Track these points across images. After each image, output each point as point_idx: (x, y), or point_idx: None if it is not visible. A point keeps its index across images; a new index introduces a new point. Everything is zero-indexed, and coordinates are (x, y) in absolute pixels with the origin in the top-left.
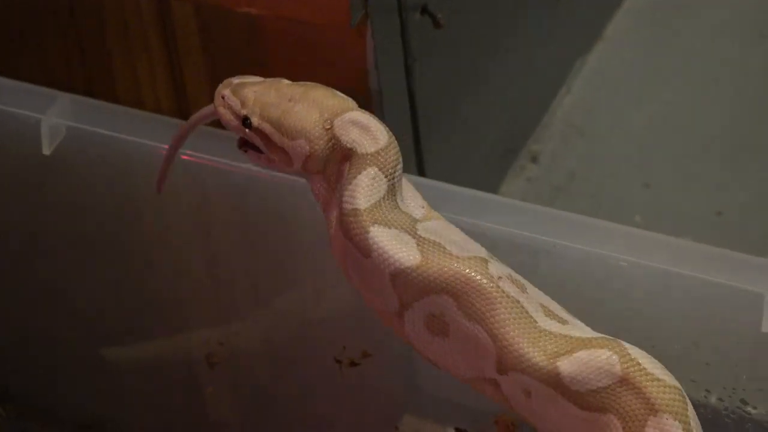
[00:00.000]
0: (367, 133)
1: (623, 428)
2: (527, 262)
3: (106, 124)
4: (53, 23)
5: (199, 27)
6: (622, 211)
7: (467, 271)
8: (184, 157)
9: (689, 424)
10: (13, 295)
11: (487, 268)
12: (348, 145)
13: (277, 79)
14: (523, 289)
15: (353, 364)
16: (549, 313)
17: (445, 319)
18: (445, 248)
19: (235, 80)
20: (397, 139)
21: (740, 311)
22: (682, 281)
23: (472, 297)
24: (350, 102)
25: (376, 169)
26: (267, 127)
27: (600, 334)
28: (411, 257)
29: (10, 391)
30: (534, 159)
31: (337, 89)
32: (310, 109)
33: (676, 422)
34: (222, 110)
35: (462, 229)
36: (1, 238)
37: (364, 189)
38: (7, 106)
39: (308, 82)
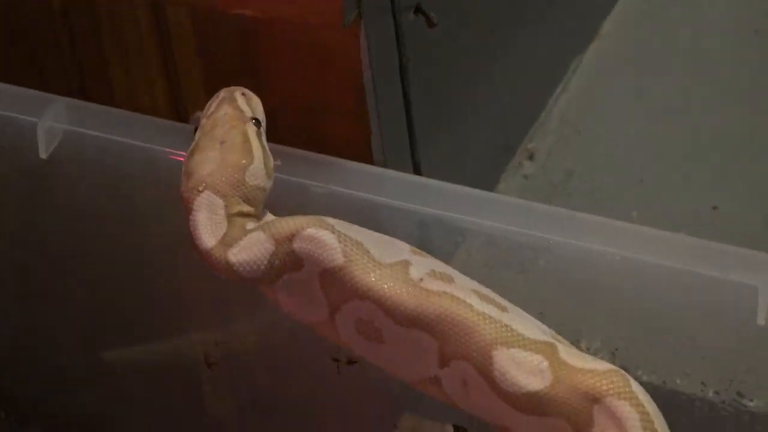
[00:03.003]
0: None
1: (570, 426)
2: (525, 259)
3: (103, 128)
4: (48, 28)
5: (193, 30)
6: (618, 207)
7: (389, 281)
8: (180, 159)
9: (637, 398)
10: (12, 299)
11: (408, 273)
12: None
13: (246, 125)
14: (450, 280)
15: (351, 362)
16: (484, 298)
17: (375, 325)
18: (368, 251)
19: (239, 93)
20: (392, 137)
21: (735, 304)
22: (677, 275)
23: (399, 305)
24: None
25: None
26: (191, 147)
27: (544, 332)
28: (335, 257)
29: (10, 393)
30: (531, 157)
31: (331, 88)
32: (208, 162)
33: (622, 401)
34: (209, 101)
35: (459, 228)
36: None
37: (204, 223)
38: (2, 110)
39: (245, 142)
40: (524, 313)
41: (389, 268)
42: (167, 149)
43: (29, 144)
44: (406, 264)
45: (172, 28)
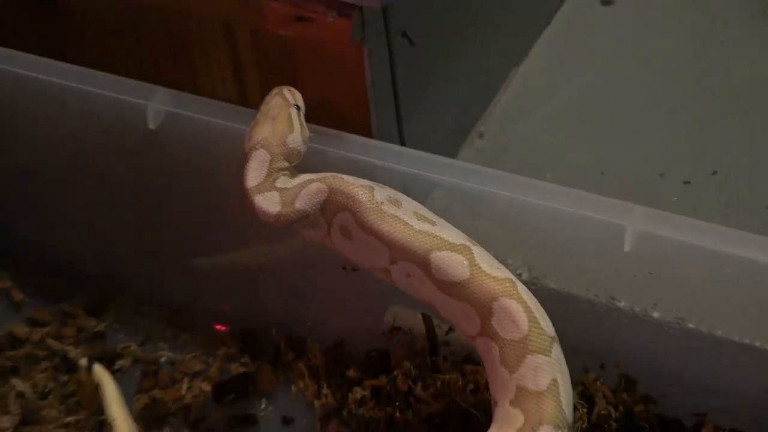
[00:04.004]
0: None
1: (477, 313)
2: (473, 205)
3: (193, 109)
4: (154, 40)
5: (253, 45)
6: (538, 170)
7: (360, 196)
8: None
9: (522, 298)
10: (126, 224)
11: (373, 195)
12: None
13: (290, 108)
14: (399, 205)
15: (354, 270)
16: (421, 218)
17: (348, 228)
18: (343, 177)
19: (286, 89)
20: (385, 119)
21: (611, 237)
22: (573, 218)
23: (365, 216)
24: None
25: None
26: (252, 123)
27: (462, 237)
28: (323, 194)
29: (125, 286)
30: (481, 136)
31: (344, 86)
32: (263, 131)
33: (512, 300)
34: (267, 95)
35: (429, 182)
36: (118, 188)
37: (252, 170)
38: (127, 96)
39: (289, 119)
40: (447, 224)
41: (360, 187)
42: (235, 125)
43: (141, 120)
44: (371, 188)
45: (238, 42)
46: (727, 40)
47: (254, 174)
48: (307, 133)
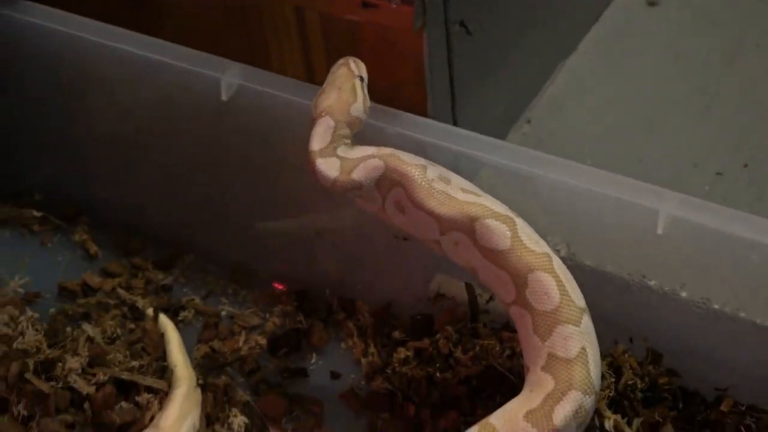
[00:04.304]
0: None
1: (512, 282)
2: (518, 184)
3: (263, 83)
4: (230, 22)
5: (321, 27)
6: (579, 155)
7: (413, 174)
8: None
9: (555, 272)
10: (195, 187)
11: (425, 173)
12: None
13: (354, 79)
14: (448, 182)
15: (405, 239)
16: (467, 191)
17: (402, 203)
18: (399, 156)
19: (351, 60)
20: (440, 101)
21: (645, 220)
22: (609, 199)
23: (416, 193)
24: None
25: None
26: (319, 92)
27: (506, 209)
28: (380, 169)
29: (192, 244)
30: (528, 121)
31: (404, 69)
32: (329, 99)
33: (546, 274)
34: (333, 65)
35: (479, 161)
36: (190, 154)
37: (317, 134)
38: (202, 69)
39: (353, 89)
40: (492, 197)
41: (413, 166)
42: (301, 99)
43: (215, 91)
44: (424, 167)
45: (308, 25)
46: (761, 43)
47: (319, 138)
48: (368, 103)
